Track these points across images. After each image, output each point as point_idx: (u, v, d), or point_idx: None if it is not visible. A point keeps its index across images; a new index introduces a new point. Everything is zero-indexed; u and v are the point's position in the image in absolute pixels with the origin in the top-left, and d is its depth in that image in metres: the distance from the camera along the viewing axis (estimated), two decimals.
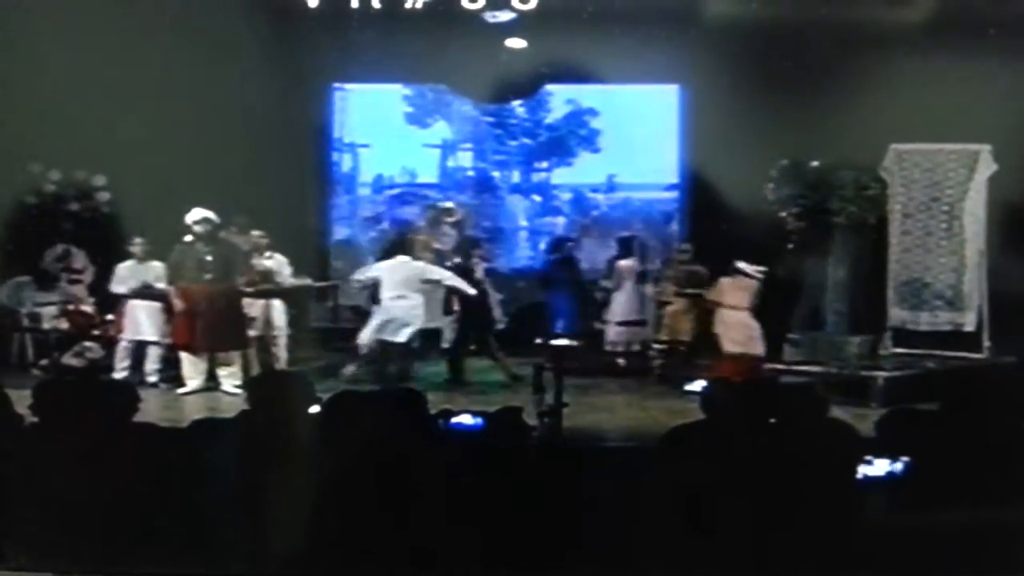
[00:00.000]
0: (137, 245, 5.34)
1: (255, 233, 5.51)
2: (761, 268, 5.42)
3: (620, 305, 5.91)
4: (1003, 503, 3.77)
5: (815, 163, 5.45)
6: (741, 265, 5.41)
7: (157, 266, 5.41)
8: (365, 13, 5.00)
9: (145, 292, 5.41)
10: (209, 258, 5.28)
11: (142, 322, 5.48)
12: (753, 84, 5.03)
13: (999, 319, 5.15)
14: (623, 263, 5.92)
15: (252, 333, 5.48)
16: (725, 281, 5.48)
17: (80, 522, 3.95)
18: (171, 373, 5.45)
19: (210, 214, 5.22)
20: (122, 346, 5.46)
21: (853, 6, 4.76)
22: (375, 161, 6.55)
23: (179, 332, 5.34)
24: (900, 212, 5.51)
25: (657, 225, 6.36)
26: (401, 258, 5.55)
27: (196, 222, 5.21)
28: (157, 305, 5.49)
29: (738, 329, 5.41)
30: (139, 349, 5.49)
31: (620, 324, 5.90)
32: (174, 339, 5.37)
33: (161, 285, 5.41)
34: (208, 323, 5.31)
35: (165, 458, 4.08)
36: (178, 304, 5.29)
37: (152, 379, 5.46)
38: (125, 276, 5.42)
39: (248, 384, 4.79)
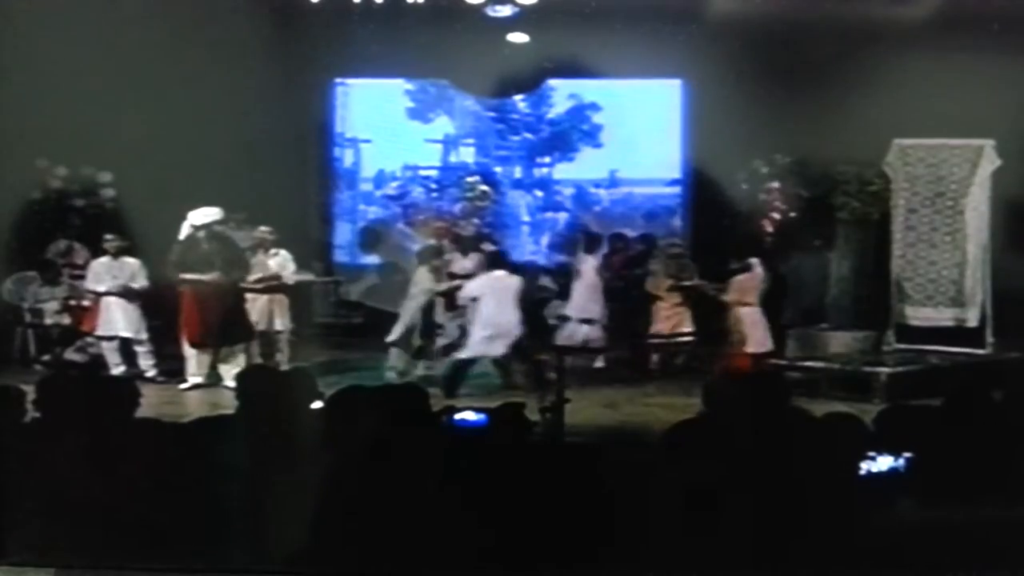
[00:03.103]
0: (110, 242, 5.31)
1: (262, 229, 5.51)
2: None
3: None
4: (1006, 500, 3.77)
5: (818, 158, 5.45)
6: (754, 261, 5.40)
7: (132, 262, 5.38)
8: (367, 8, 4.99)
9: (126, 290, 5.40)
10: (213, 254, 5.29)
11: (116, 319, 5.45)
12: (755, 79, 5.02)
13: (1002, 315, 5.15)
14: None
15: (256, 328, 5.50)
16: (740, 279, 5.47)
17: (82, 517, 3.95)
18: (171, 368, 5.47)
19: (219, 214, 5.23)
20: (106, 343, 5.44)
21: (857, 1, 4.75)
22: (377, 156, 6.55)
23: (189, 328, 5.36)
24: (904, 207, 5.50)
25: (659, 220, 6.36)
26: (497, 273, 5.49)
27: (209, 223, 5.21)
28: (132, 302, 5.48)
29: (757, 327, 5.43)
30: (125, 345, 5.47)
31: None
32: (185, 336, 5.39)
33: (141, 282, 5.39)
34: (214, 319, 5.32)
35: (167, 453, 4.08)
36: (185, 300, 5.31)
37: (150, 374, 5.47)
38: (100, 272, 5.41)
39: (250, 380, 4.80)
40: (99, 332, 5.45)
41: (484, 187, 6.30)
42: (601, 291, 5.73)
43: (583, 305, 5.72)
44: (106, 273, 5.41)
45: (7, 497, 3.99)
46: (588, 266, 5.74)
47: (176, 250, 5.27)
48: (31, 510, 3.97)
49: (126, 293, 5.41)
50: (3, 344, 5.18)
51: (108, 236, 5.29)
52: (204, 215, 5.19)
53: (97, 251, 5.43)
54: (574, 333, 5.69)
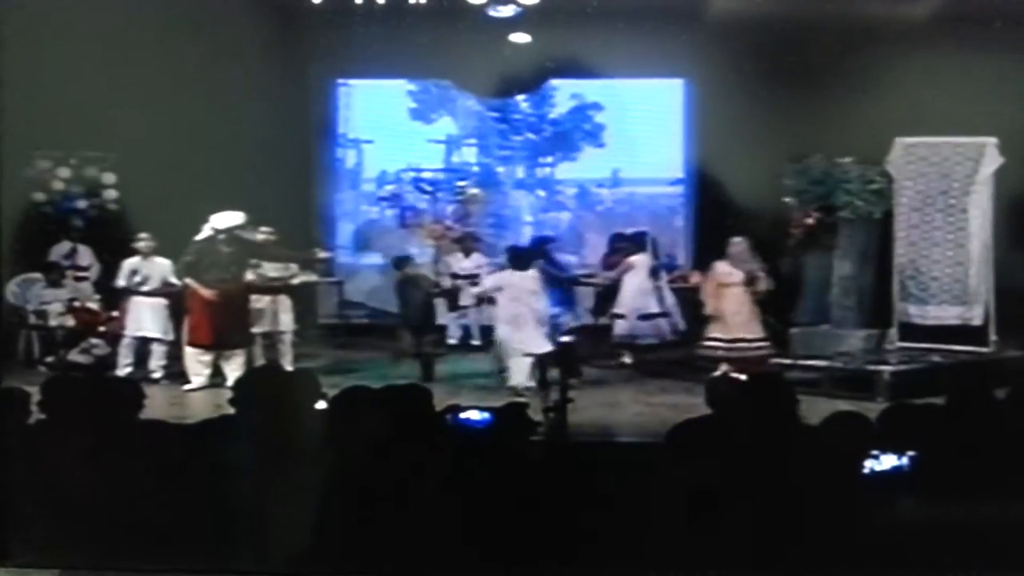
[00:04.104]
0: (143, 241, 5.33)
1: (264, 230, 5.53)
2: None
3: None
4: (1007, 499, 3.77)
5: (820, 157, 5.45)
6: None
7: (163, 263, 5.43)
8: (369, 9, 4.99)
9: (152, 289, 5.46)
10: (230, 258, 5.33)
11: (144, 318, 5.53)
12: (758, 78, 5.01)
13: (1005, 313, 5.14)
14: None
15: (261, 329, 5.54)
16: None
17: (86, 519, 3.97)
18: (176, 369, 5.48)
19: (242, 219, 5.25)
20: (125, 343, 5.49)
21: (859, 0, 4.76)
22: (379, 157, 6.54)
23: (199, 330, 5.39)
24: (906, 206, 5.51)
25: (662, 219, 6.35)
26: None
27: (231, 227, 5.24)
28: (161, 302, 5.55)
29: None
30: (143, 345, 5.53)
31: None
32: (194, 337, 5.41)
33: (171, 281, 5.44)
34: (227, 320, 5.37)
35: (171, 454, 4.10)
36: (198, 302, 5.34)
37: (156, 375, 5.49)
38: (130, 272, 5.44)
39: (255, 381, 4.82)
40: (127, 332, 5.50)
41: (474, 190, 6.30)
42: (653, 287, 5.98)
43: (642, 301, 5.94)
44: (136, 273, 5.45)
45: (12, 498, 4.00)
46: (643, 263, 5.94)
47: (192, 251, 5.29)
48: (35, 511, 3.98)
49: (157, 293, 5.48)
50: (7, 346, 5.19)
51: (142, 235, 5.28)
52: (228, 219, 5.22)
53: (101, 252, 5.45)
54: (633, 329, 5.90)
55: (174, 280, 5.44)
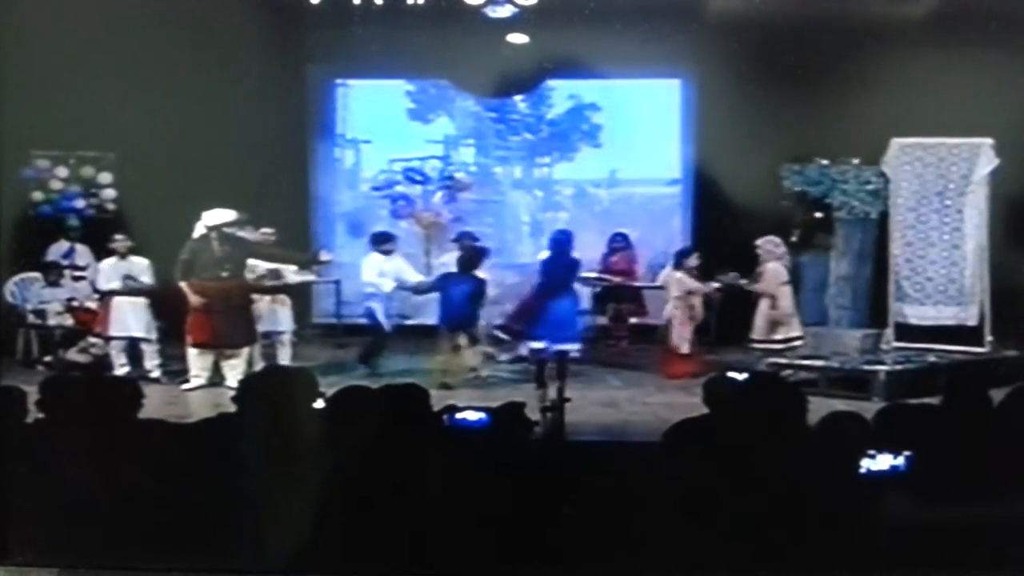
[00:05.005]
0: (118, 241, 5.30)
1: (264, 230, 5.53)
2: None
3: None
4: (1006, 498, 3.79)
5: (817, 158, 5.46)
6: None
7: (140, 262, 5.38)
8: (367, 9, 5.00)
9: (132, 288, 5.44)
10: (224, 256, 5.33)
11: (128, 318, 5.52)
12: (755, 79, 5.03)
13: (1000, 314, 5.17)
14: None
15: (260, 329, 5.54)
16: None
17: (85, 518, 3.97)
18: (173, 367, 5.49)
19: (234, 215, 5.25)
20: (114, 344, 5.48)
21: (855, 0, 4.77)
22: (377, 157, 6.54)
23: (195, 330, 5.39)
24: (902, 206, 5.53)
25: (658, 220, 6.37)
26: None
27: (220, 224, 5.24)
28: (142, 301, 5.53)
29: None
30: (132, 346, 5.52)
31: None
32: (191, 337, 5.41)
33: (146, 280, 5.42)
34: (226, 320, 5.38)
35: (170, 453, 4.11)
36: (193, 301, 5.34)
37: (154, 374, 5.48)
38: (108, 273, 5.43)
39: (254, 381, 4.83)
40: (110, 333, 5.48)
41: (460, 174, 6.31)
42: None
43: None
44: (114, 273, 5.44)
45: (11, 498, 4.01)
46: None
47: (187, 249, 5.29)
48: (35, 511, 3.99)
49: (136, 292, 5.45)
50: (6, 346, 5.19)
51: (118, 236, 5.26)
52: (219, 216, 5.22)
53: (100, 252, 5.45)
54: None
55: (152, 278, 5.42)
